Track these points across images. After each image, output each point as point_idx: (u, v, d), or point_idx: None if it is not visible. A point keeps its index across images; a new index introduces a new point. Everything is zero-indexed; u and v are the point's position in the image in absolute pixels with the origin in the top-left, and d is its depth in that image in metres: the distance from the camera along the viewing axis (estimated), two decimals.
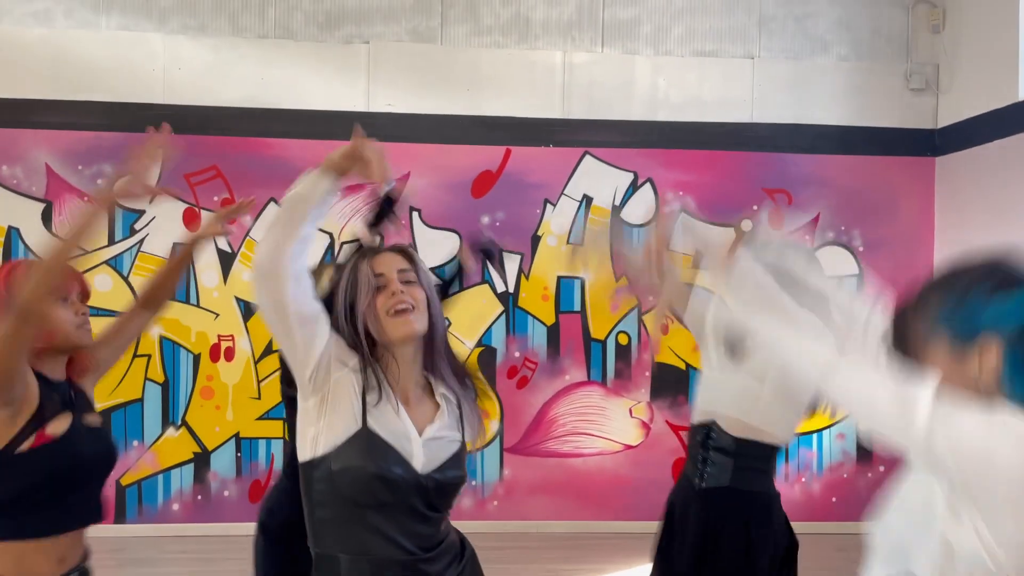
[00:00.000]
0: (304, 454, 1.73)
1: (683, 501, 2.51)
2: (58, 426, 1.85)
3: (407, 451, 1.71)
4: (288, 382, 2.44)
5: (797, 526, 2.63)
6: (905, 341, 1.35)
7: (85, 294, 2.03)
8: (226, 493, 5.06)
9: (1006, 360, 1.24)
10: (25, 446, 1.80)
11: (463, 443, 1.83)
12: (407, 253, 1.84)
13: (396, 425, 1.72)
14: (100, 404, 5.02)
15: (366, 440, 1.68)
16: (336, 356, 1.73)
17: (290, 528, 2.40)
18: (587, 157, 5.26)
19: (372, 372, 1.73)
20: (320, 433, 1.70)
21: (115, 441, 2.14)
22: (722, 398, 2.46)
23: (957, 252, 4.72)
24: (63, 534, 1.87)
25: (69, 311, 1.94)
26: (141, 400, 5.00)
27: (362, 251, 1.84)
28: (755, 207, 5.33)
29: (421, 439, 1.74)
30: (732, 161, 5.31)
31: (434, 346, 1.81)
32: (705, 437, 2.47)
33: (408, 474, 1.69)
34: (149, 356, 5.02)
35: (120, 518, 4.97)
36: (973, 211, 5.10)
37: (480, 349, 5.20)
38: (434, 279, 1.90)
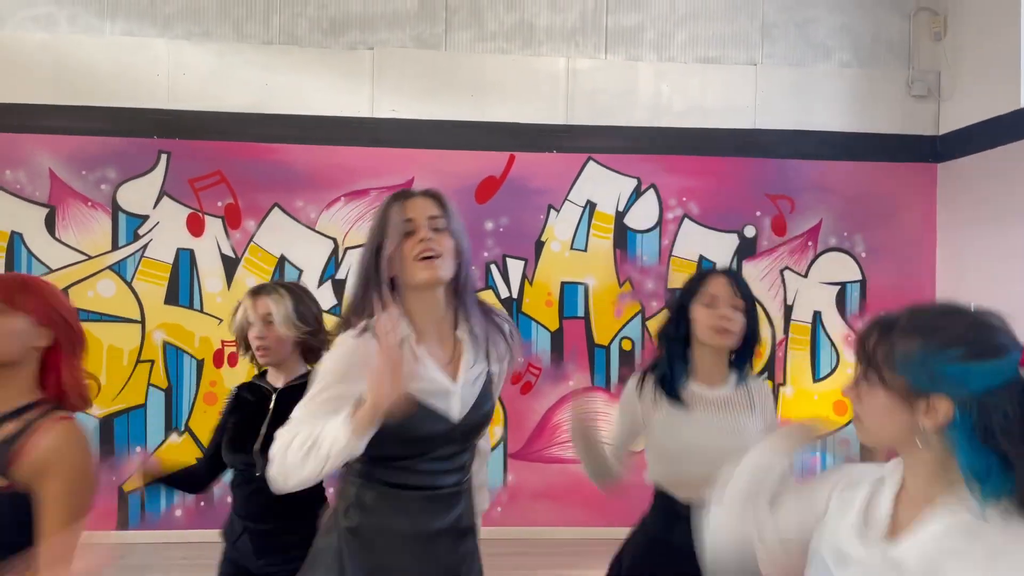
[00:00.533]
0: None
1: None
2: None
3: (444, 407, 1.75)
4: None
5: None
6: (867, 358, 1.33)
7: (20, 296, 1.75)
8: (229, 499, 4.99)
9: (956, 422, 1.23)
10: None
11: (489, 373, 1.86)
12: (440, 199, 1.84)
13: (433, 384, 1.75)
14: (103, 410, 5.00)
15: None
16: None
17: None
18: (591, 163, 5.23)
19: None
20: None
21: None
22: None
23: (959, 256, 4.67)
24: None
25: (11, 323, 1.71)
26: (144, 406, 4.95)
27: (395, 195, 1.84)
28: (758, 213, 5.30)
29: (458, 385, 1.77)
30: (735, 167, 5.27)
31: (459, 289, 1.82)
32: None
33: (446, 426, 1.76)
34: (152, 362, 4.97)
35: (123, 524, 4.92)
36: (975, 217, 5.07)
37: None
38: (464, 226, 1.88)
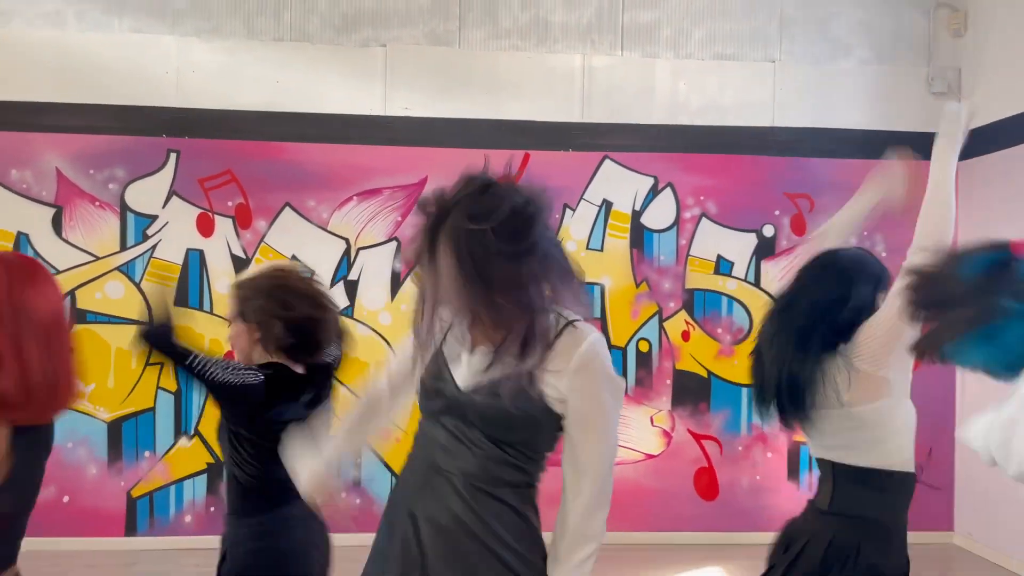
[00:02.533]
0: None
1: None
2: None
3: (454, 371, 1.65)
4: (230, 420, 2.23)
5: None
6: None
7: None
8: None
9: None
10: None
11: (531, 377, 1.57)
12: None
13: (452, 349, 1.68)
14: (111, 414, 4.77)
15: (434, 357, 1.69)
16: None
17: None
18: (607, 161, 5.03)
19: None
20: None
21: None
22: None
23: None
24: None
25: None
26: (153, 409, 4.73)
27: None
28: (776, 212, 5.08)
29: (468, 357, 1.64)
30: (753, 165, 5.07)
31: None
32: None
33: (451, 389, 1.64)
34: (161, 364, 4.69)
35: (131, 531, 4.70)
36: (997, 215, 4.88)
37: None
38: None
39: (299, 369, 2.29)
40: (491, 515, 1.62)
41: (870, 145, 5.11)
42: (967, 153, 5.17)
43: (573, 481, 1.68)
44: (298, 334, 2.24)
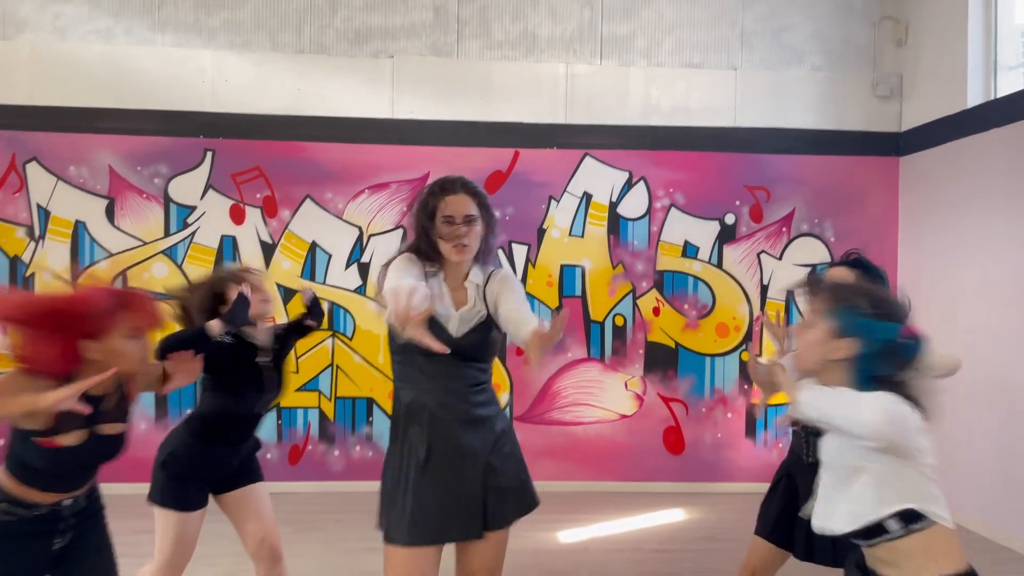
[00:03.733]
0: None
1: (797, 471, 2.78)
2: (68, 439, 2.07)
3: (446, 324, 2.30)
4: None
5: None
6: (815, 297, 1.92)
7: (156, 326, 2.20)
8: (268, 456, 5.36)
9: (857, 357, 1.81)
10: (38, 440, 2.05)
11: (488, 315, 2.34)
12: (477, 196, 2.35)
13: (444, 309, 2.32)
14: None
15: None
16: None
17: (184, 465, 2.87)
18: (587, 158, 5.52)
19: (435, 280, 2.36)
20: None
21: (126, 440, 2.27)
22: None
23: (918, 240, 4.95)
24: (50, 492, 2.14)
25: (139, 346, 2.14)
26: None
27: (442, 186, 2.34)
28: (737, 202, 5.57)
29: (458, 313, 2.32)
30: (717, 161, 5.56)
31: (484, 257, 2.39)
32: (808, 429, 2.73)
33: (448, 337, 2.25)
34: None
35: None
36: (932, 204, 5.35)
37: None
38: (495, 215, 2.42)
39: None
40: (480, 396, 2.36)
41: (821, 143, 5.61)
42: (907, 149, 5.69)
43: (528, 320, 2.28)
44: None
